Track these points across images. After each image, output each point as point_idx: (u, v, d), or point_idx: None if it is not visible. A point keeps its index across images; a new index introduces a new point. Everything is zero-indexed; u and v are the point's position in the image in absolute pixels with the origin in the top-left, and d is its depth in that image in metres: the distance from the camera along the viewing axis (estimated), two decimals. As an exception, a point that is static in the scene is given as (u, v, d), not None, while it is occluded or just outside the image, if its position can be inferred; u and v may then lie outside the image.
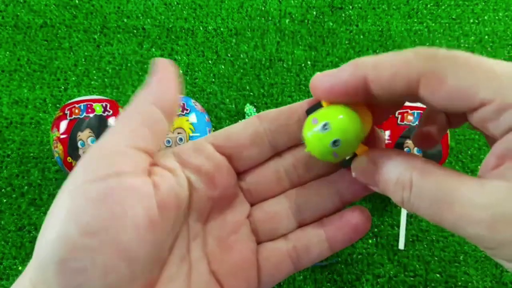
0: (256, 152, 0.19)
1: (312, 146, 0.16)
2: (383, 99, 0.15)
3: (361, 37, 0.48)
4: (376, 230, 0.42)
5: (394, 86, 0.15)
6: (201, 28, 0.48)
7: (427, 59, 0.14)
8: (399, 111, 0.38)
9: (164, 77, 0.17)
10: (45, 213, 0.42)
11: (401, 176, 0.15)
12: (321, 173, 0.19)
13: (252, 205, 0.20)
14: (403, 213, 0.40)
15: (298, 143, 0.19)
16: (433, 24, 0.48)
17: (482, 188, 0.13)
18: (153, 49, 0.47)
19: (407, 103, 0.39)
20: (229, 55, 0.47)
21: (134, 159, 0.16)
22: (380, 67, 0.15)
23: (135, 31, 0.47)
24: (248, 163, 0.19)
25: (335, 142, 0.15)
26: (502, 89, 0.13)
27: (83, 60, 0.46)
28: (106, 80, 0.46)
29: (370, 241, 0.42)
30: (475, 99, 0.13)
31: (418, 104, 0.39)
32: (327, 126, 0.15)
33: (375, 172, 0.16)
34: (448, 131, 0.38)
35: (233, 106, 0.46)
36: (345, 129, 0.15)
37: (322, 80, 0.16)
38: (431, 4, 0.49)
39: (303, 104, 0.18)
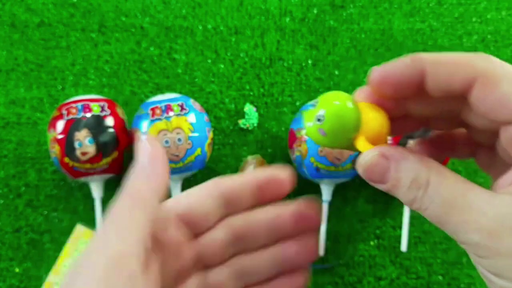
0: (209, 219, 0.19)
1: (304, 124, 0.17)
2: (434, 97, 0.16)
3: (363, 36, 0.47)
4: (378, 231, 0.42)
5: (451, 82, 0.15)
6: (200, 27, 0.47)
7: (486, 61, 0.15)
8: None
9: (154, 156, 0.18)
10: (42, 214, 0.42)
11: (419, 175, 0.15)
12: (267, 242, 0.19)
13: (201, 269, 0.20)
14: (406, 215, 0.39)
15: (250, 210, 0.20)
16: (435, 23, 0.48)
17: (492, 199, 0.14)
18: (152, 48, 0.46)
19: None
20: (228, 54, 0.47)
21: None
22: (441, 62, 0.15)
23: (133, 29, 0.47)
24: (201, 230, 0.19)
25: (319, 118, 0.16)
26: None
27: (81, 59, 0.46)
28: (103, 79, 0.45)
29: (372, 243, 0.41)
30: None
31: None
32: (322, 111, 0.16)
33: (386, 168, 0.16)
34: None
35: (233, 105, 0.45)
36: (335, 110, 0.16)
37: (379, 70, 0.16)
38: (434, 3, 0.48)
39: (257, 175, 0.19)
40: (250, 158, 0.41)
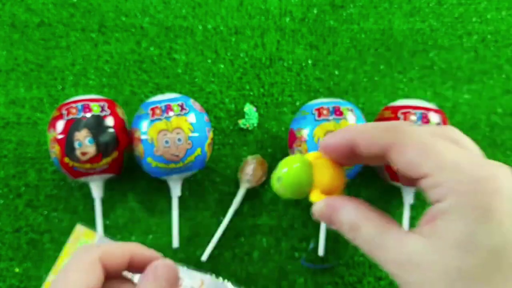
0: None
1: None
2: (366, 157, 0.21)
3: (363, 36, 0.47)
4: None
5: (373, 148, 0.20)
6: (200, 27, 0.47)
7: (398, 132, 0.19)
8: (402, 111, 0.38)
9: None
10: (42, 214, 0.42)
11: (353, 221, 0.20)
12: None
13: None
14: (405, 215, 0.39)
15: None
16: (436, 23, 0.48)
17: (405, 238, 0.18)
18: (152, 48, 0.46)
19: (409, 103, 0.39)
20: (228, 54, 0.47)
21: None
22: (364, 134, 0.20)
23: (133, 29, 0.47)
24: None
25: (278, 179, 0.22)
26: (438, 169, 0.18)
27: (81, 59, 0.46)
28: (103, 79, 0.45)
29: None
30: (420, 171, 0.18)
31: (421, 104, 0.38)
32: (283, 171, 0.22)
33: (332, 214, 0.21)
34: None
35: (233, 105, 0.45)
36: (290, 175, 0.21)
37: (322, 142, 0.22)
38: (434, 3, 0.48)
39: (139, 248, 0.23)
40: (250, 158, 0.41)
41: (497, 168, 0.17)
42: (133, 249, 0.23)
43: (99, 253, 0.22)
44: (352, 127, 0.21)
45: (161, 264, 0.22)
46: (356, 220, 0.20)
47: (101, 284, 0.21)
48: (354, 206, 0.20)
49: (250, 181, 0.40)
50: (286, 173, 0.22)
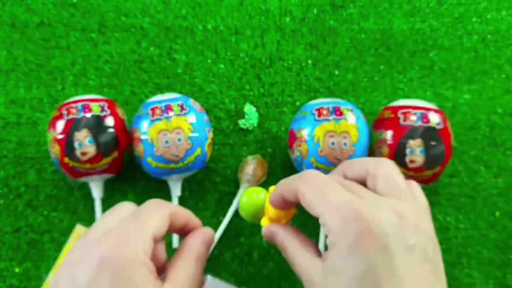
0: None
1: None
2: (290, 200, 0.26)
3: (363, 36, 0.47)
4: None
5: (290, 195, 0.26)
6: (200, 27, 0.47)
7: (302, 180, 0.25)
8: (402, 111, 0.38)
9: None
10: (42, 214, 0.42)
11: (282, 243, 0.27)
12: None
13: None
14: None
15: None
16: (436, 23, 0.48)
17: (313, 261, 0.24)
18: (152, 48, 0.46)
19: (409, 103, 0.39)
20: (228, 54, 0.47)
21: None
22: (284, 187, 0.26)
23: (133, 29, 0.47)
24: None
25: (239, 205, 0.30)
26: (324, 211, 0.23)
27: (81, 59, 0.46)
28: (103, 79, 0.45)
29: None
30: (315, 211, 0.24)
31: (421, 104, 0.38)
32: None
33: (271, 237, 0.28)
34: (451, 131, 0.38)
35: (233, 105, 0.45)
36: (247, 203, 0.30)
37: (269, 199, 0.28)
38: (434, 3, 0.48)
39: (192, 216, 0.29)
40: (250, 158, 0.41)
41: (373, 209, 0.22)
42: (189, 215, 0.28)
43: (170, 210, 0.26)
44: (281, 182, 0.27)
45: (208, 232, 0.28)
46: (284, 242, 0.26)
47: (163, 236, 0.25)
48: (283, 232, 0.27)
49: (250, 181, 0.40)
50: (245, 202, 0.29)
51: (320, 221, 0.23)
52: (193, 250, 0.26)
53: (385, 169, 0.25)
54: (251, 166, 0.40)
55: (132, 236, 0.23)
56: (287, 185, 0.26)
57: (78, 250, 0.23)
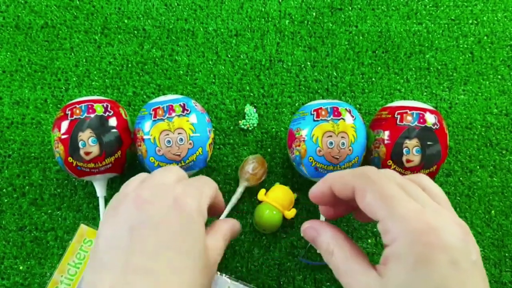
0: None
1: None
2: (344, 199, 0.24)
3: (361, 38, 0.48)
4: (375, 229, 0.42)
5: (344, 192, 0.23)
6: (201, 29, 0.48)
7: (361, 179, 0.23)
8: (399, 111, 0.38)
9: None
10: (46, 213, 0.42)
11: (328, 245, 0.24)
12: None
13: None
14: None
15: None
16: (432, 25, 0.48)
17: (366, 272, 0.22)
18: (154, 50, 0.47)
19: (406, 103, 0.39)
20: (229, 55, 0.47)
21: None
22: (336, 180, 0.24)
23: (135, 31, 0.48)
24: None
25: (257, 225, 0.39)
26: (389, 217, 0.21)
27: (84, 60, 0.47)
28: (107, 80, 0.46)
29: (369, 240, 0.42)
30: (376, 216, 0.21)
31: (417, 105, 0.39)
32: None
33: (314, 236, 0.26)
34: (447, 131, 0.39)
35: (233, 106, 0.46)
36: (263, 221, 0.39)
37: (310, 191, 0.26)
38: (430, 5, 0.49)
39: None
40: (250, 157, 0.42)
41: (441, 221, 0.20)
42: (221, 199, 0.30)
43: (216, 186, 0.29)
44: (330, 174, 0.25)
45: (237, 223, 0.31)
46: (331, 246, 0.24)
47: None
48: (332, 234, 0.25)
49: (249, 179, 0.41)
50: (261, 221, 0.37)
51: (381, 227, 0.21)
52: (225, 226, 0.30)
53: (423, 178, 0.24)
54: (251, 165, 0.41)
55: (198, 192, 0.26)
56: (343, 179, 0.24)
57: (148, 190, 0.25)
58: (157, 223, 0.23)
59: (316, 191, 0.25)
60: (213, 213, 0.30)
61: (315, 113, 0.38)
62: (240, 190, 0.41)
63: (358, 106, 0.46)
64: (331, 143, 0.37)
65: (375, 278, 0.21)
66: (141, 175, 0.28)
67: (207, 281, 0.25)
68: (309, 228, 0.26)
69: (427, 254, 0.19)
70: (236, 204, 0.42)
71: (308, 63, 0.47)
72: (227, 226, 0.30)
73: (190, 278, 0.23)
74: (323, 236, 0.25)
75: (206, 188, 0.28)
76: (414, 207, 0.21)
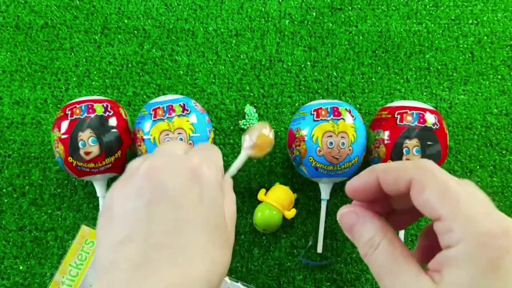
0: None
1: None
2: (392, 197, 0.21)
3: (361, 37, 0.48)
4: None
5: (396, 184, 0.20)
6: (201, 29, 0.48)
7: (420, 169, 0.19)
8: (399, 111, 0.38)
9: None
10: (46, 213, 0.42)
11: (375, 237, 0.20)
12: None
13: None
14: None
15: None
16: (432, 25, 0.48)
17: (418, 277, 0.18)
18: (154, 50, 0.47)
19: (406, 103, 0.39)
20: (229, 55, 0.47)
21: None
22: (388, 171, 0.20)
23: (135, 31, 0.48)
24: None
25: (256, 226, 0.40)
26: (454, 215, 0.18)
27: (84, 60, 0.47)
28: (107, 80, 0.46)
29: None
30: (438, 213, 0.18)
31: (417, 105, 0.39)
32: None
33: (355, 223, 0.21)
34: (447, 131, 0.39)
35: (233, 106, 0.46)
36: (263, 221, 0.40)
37: (349, 183, 0.22)
38: (430, 5, 0.49)
39: None
40: (258, 124, 0.34)
41: (510, 224, 0.18)
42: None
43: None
44: (379, 165, 0.21)
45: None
46: (377, 238, 0.20)
47: None
48: (380, 224, 0.21)
49: (252, 147, 0.33)
50: (261, 221, 0.37)
51: (442, 226, 0.18)
52: (229, 182, 0.28)
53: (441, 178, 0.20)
54: (256, 132, 0.34)
55: (213, 161, 0.25)
56: (397, 170, 0.20)
57: (161, 159, 0.23)
58: (177, 196, 0.22)
59: (358, 183, 0.22)
60: None
61: (315, 113, 0.38)
62: (242, 157, 0.32)
63: (358, 106, 0.46)
64: (331, 143, 0.37)
65: (428, 284, 0.18)
66: (145, 155, 0.26)
67: (229, 255, 0.23)
68: (349, 213, 0.22)
69: (497, 259, 0.17)
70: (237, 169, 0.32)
71: (308, 63, 0.47)
72: (230, 181, 0.28)
73: (216, 255, 0.22)
74: (367, 225, 0.21)
75: (218, 157, 0.26)
76: (482, 207, 0.18)
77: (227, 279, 0.38)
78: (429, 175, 0.19)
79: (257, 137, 0.33)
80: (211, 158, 0.26)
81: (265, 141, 0.33)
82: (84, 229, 0.40)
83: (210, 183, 0.23)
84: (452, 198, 0.18)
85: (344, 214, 0.22)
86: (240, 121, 0.45)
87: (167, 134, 0.37)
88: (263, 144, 0.33)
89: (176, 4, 0.49)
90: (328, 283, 0.41)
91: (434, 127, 0.37)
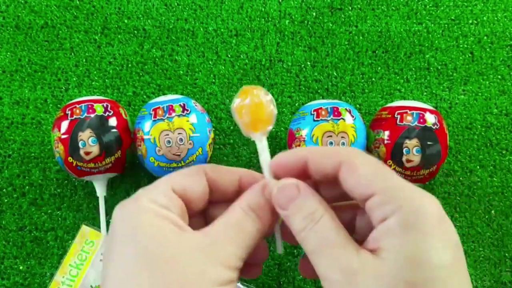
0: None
1: None
2: (317, 178, 0.20)
3: (361, 37, 0.48)
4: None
5: (325, 165, 0.20)
6: (201, 29, 0.48)
7: (349, 151, 0.20)
8: (399, 111, 0.38)
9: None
10: (46, 213, 0.42)
11: (317, 210, 0.19)
12: None
13: None
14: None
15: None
16: (432, 25, 0.48)
17: (357, 252, 0.18)
18: (154, 50, 0.47)
19: (406, 103, 0.39)
20: (229, 55, 0.47)
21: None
22: (318, 151, 0.20)
23: (135, 31, 0.48)
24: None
25: None
26: (387, 189, 0.18)
27: (84, 60, 0.47)
28: (107, 80, 0.46)
29: None
30: (368, 190, 0.18)
31: (417, 105, 0.39)
32: None
33: (295, 196, 0.20)
34: (447, 131, 0.39)
35: (233, 106, 0.46)
36: None
37: (277, 157, 0.21)
38: (430, 5, 0.49)
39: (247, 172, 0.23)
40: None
41: (430, 196, 0.18)
42: (241, 173, 0.23)
43: (206, 168, 0.22)
44: (307, 147, 0.21)
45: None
46: (319, 212, 0.19)
47: (205, 190, 0.22)
48: (321, 199, 0.20)
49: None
50: None
51: (371, 203, 0.18)
52: (244, 198, 0.21)
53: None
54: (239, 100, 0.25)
55: (146, 190, 0.20)
56: (326, 151, 0.20)
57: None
58: None
59: (284, 159, 0.21)
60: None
61: (315, 113, 0.38)
62: (263, 143, 0.24)
63: (358, 106, 0.46)
64: (331, 143, 0.37)
65: (368, 257, 0.17)
66: None
67: None
68: (292, 186, 0.20)
69: (433, 225, 0.17)
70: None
71: (308, 63, 0.47)
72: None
73: None
74: (310, 198, 0.20)
75: (174, 176, 0.21)
76: (406, 182, 0.19)
77: None
78: (359, 156, 0.19)
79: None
80: (149, 189, 0.21)
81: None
82: (84, 229, 0.40)
83: (132, 214, 0.20)
84: (383, 174, 0.19)
85: (286, 186, 0.20)
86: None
87: (167, 134, 0.37)
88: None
89: (176, 4, 0.49)
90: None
91: (434, 127, 0.37)
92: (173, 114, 0.37)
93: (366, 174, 0.19)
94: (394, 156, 0.37)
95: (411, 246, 0.17)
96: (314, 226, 0.19)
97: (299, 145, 0.38)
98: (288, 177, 0.21)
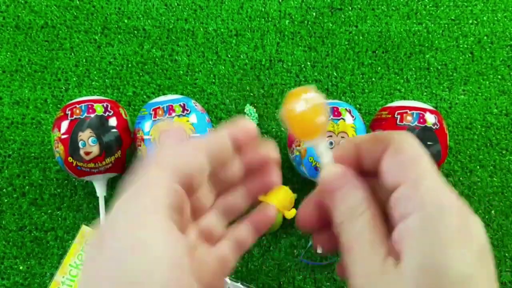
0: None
1: None
2: (369, 166, 0.19)
3: (361, 37, 0.48)
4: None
5: (374, 149, 0.19)
6: (201, 29, 0.48)
7: (400, 134, 0.18)
8: (399, 111, 0.38)
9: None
10: (46, 213, 0.42)
11: (359, 206, 0.18)
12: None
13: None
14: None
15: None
16: (432, 25, 0.48)
17: (383, 262, 0.17)
18: (154, 50, 0.47)
19: (406, 103, 0.39)
20: (229, 55, 0.47)
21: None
22: (369, 135, 0.19)
23: (135, 32, 0.48)
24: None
25: None
26: (416, 182, 0.17)
27: (84, 60, 0.47)
28: (107, 80, 0.46)
29: None
30: (403, 178, 0.17)
31: (417, 105, 0.39)
32: None
33: (341, 186, 0.19)
34: (447, 131, 0.39)
35: (233, 106, 0.46)
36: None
37: (336, 152, 0.20)
38: (430, 5, 0.49)
39: (230, 129, 0.22)
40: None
41: (456, 197, 0.17)
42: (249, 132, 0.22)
43: (207, 145, 0.20)
44: (352, 137, 0.20)
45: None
46: (361, 207, 0.18)
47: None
48: (367, 195, 0.19)
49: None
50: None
51: (402, 193, 0.17)
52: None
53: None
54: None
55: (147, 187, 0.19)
56: (371, 138, 0.19)
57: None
58: None
59: (339, 154, 0.20)
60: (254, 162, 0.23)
61: (315, 113, 0.38)
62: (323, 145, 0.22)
63: (358, 106, 0.46)
64: (331, 143, 0.37)
65: (390, 268, 0.16)
66: None
67: None
68: (341, 175, 0.19)
69: (451, 232, 0.16)
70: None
71: (308, 63, 0.47)
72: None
73: None
74: (354, 192, 0.19)
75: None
76: (443, 185, 0.17)
77: (227, 279, 0.38)
78: (410, 140, 0.18)
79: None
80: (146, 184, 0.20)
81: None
82: (84, 229, 0.40)
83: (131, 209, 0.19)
84: (420, 164, 0.17)
85: (335, 174, 0.19)
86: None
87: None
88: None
89: (176, 4, 0.49)
90: (328, 283, 0.41)
91: (434, 127, 0.37)
92: (173, 114, 0.37)
93: (407, 160, 0.17)
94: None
95: (428, 254, 0.16)
96: (353, 221, 0.18)
97: (299, 145, 0.38)
98: (345, 163, 0.20)
